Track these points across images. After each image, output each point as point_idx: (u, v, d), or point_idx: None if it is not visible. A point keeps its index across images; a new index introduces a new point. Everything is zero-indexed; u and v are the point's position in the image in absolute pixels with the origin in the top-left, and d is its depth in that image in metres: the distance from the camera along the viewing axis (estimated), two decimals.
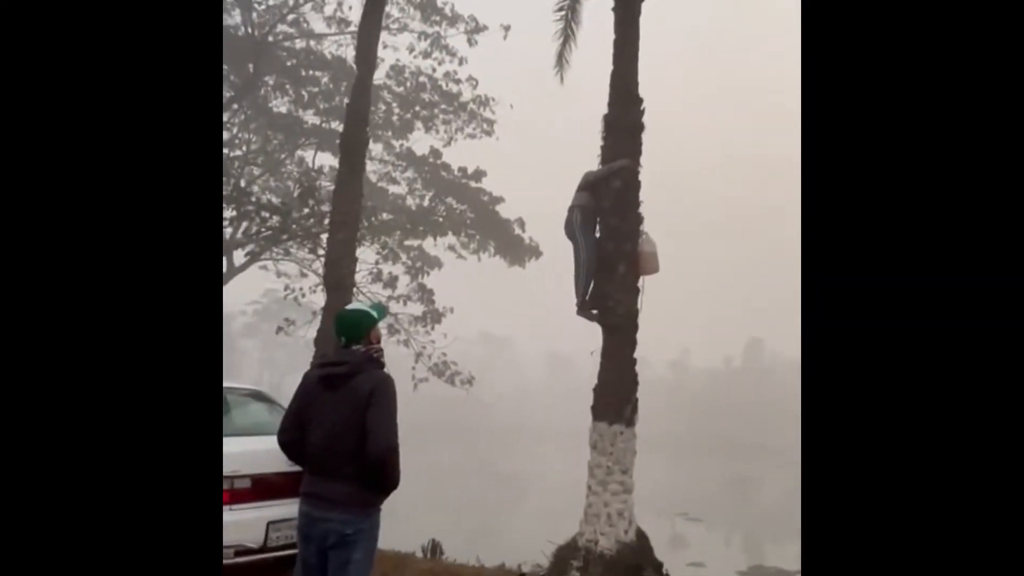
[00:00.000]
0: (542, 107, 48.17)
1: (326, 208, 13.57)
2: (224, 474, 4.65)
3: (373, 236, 19.22)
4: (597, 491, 6.49)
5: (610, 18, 7.32)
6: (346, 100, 12.88)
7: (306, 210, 14.69)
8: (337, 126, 17.80)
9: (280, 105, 20.00)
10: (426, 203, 21.86)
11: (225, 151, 19.06)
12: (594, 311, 6.81)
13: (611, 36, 7.27)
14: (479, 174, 21.57)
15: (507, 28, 20.00)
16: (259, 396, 6.22)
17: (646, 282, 6.91)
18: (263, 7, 19.50)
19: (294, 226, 15.11)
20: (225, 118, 19.05)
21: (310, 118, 20.05)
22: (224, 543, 4.58)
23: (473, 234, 21.94)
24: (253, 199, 15.62)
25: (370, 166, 18.57)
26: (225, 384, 6.17)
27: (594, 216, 6.91)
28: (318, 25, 20.05)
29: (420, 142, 21.57)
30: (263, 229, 15.83)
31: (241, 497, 4.80)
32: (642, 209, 7.00)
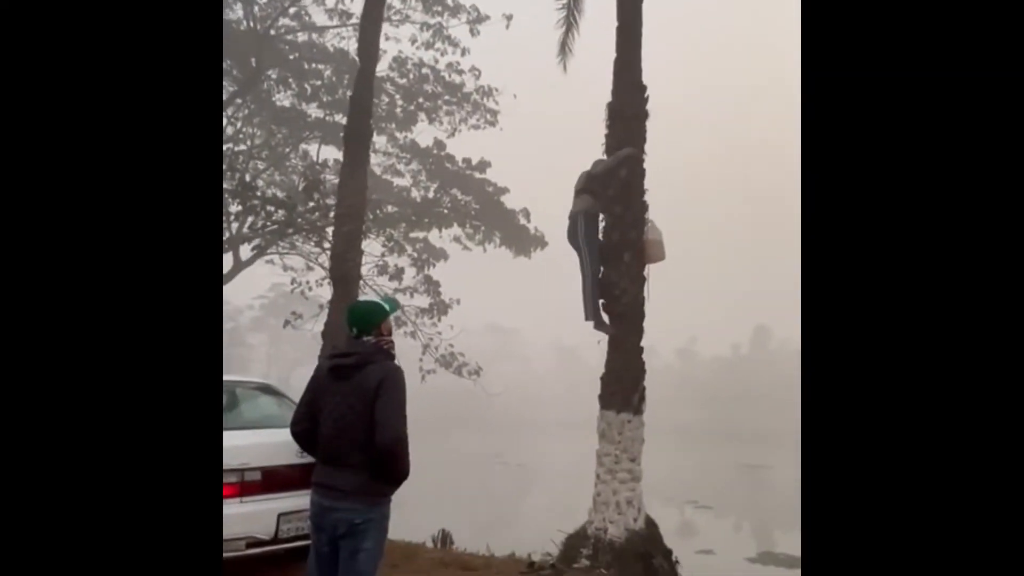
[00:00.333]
0: (546, 96, 48.08)
1: (331, 201, 13.58)
2: (235, 467, 4.70)
3: (378, 229, 19.24)
4: (606, 479, 6.50)
5: (612, 5, 7.28)
6: (349, 93, 12.86)
7: (311, 204, 14.69)
8: (341, 119, 17.76)
9: (283, 99, 19.97)
10: (431, 195, 21.84)
11: (229, 146, 19.07)
12: (605, 322, 6.75)
13: (614, 23, 7.23)
14: (483, 165, 21.54)
15: (509, 17, 19.91)
16: (268, 389, 6.26)
17: (652, 270, 6.91)
18: (264, 1, 19.46)
19: (299, 220, 15.12)
20: (228, 113, 19.06)
21: (313, 111, 20.03)
22: (236, 535, 4.63)
23: (478, 225, 21.92)
24: (258, 194, 15.60)
25: (374, 159, 18.56)
26: (234, 378, 6.23)
27: (597, 221, 6.83)
28: (320, 18, 20.02)
29: (424, 134, 21.57)
30: (268, 223, 15.83)
31: (252, 489, 4.84)
32: (647, 197, 6.99)
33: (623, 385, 6.65)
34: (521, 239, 22.07)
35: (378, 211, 19.51)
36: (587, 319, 6.79)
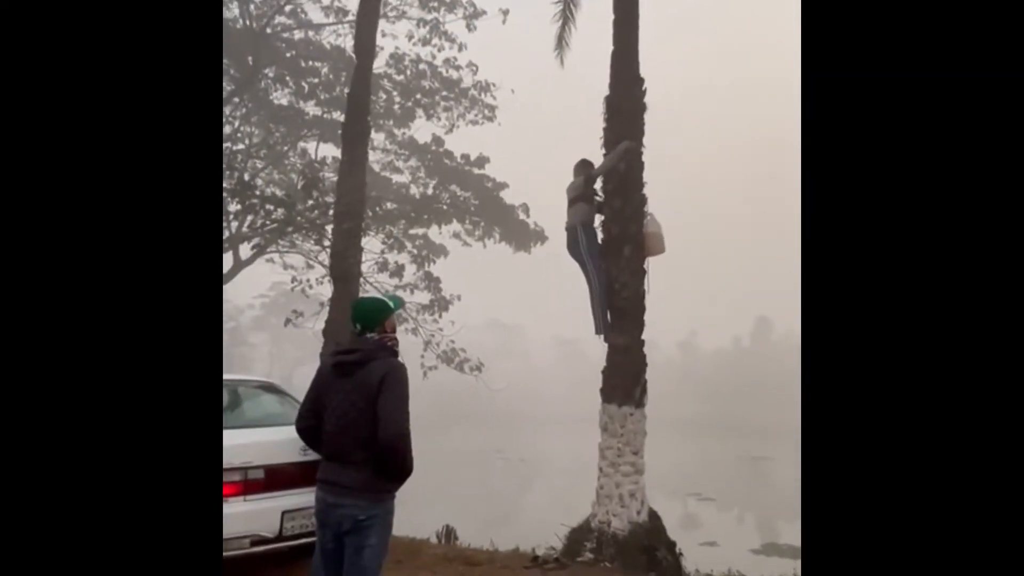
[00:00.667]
0: (543, 91, 47.91)
1: (330, 199, 13.57)
2: (238, 465, 4.71)
3: (378, 226, 19.24)
4: (609, 472, 6.51)
5: None
6: (346, 90, 12.84)
7: (310, 202, 14.70)
8: (339, 116, 17.76)
9: (281, 97, 19.96)
10: (430, 191, 21.84)
11: (228, 145, 19.05)
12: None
13: (610, 16, 7.21)
14: (482, 160, 21.54)
15: (506, 12, 19.87)
16: (270, 388, 6.26)
17: (652, 263, 6.90)
18: None
19: (299, 218, 15.12)
20: (226, 112, 19.02)
21: (311, 109, 20.02)
22: (240, 533, 4.64)
23: (478, 221, 21.94)
24: (257, 192, 15.61)
25: (373, 156, 18.52)
26: (237, 377, 6.23)
27: (595, 232, 6.80)
28: (316, 15, 20.01)
29: (422, 130, 21.58)
30: (268, 222, 15.84)
31: (255, 487, 4.85)
32: (646, 190, 6.98)
33: (625, 379, 6.65)
34: (521, 234, 22.09)
35: (377, 208, 19.51)
36: (597, 332, 6.77)
